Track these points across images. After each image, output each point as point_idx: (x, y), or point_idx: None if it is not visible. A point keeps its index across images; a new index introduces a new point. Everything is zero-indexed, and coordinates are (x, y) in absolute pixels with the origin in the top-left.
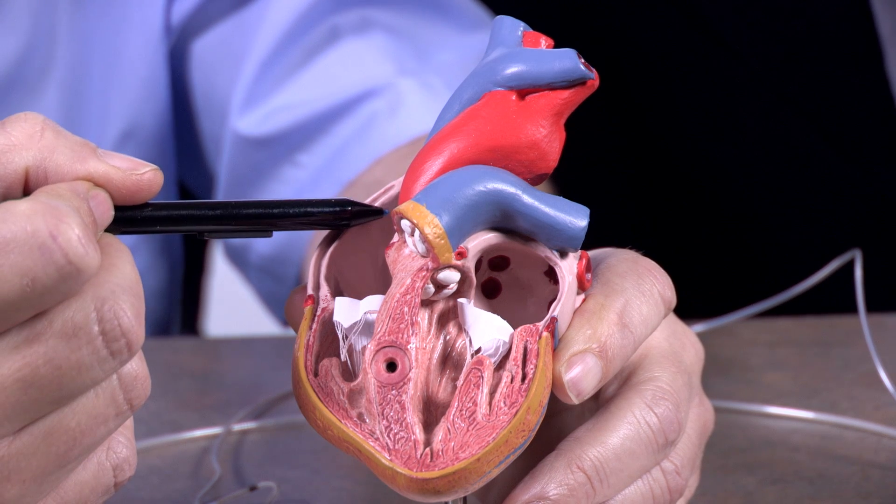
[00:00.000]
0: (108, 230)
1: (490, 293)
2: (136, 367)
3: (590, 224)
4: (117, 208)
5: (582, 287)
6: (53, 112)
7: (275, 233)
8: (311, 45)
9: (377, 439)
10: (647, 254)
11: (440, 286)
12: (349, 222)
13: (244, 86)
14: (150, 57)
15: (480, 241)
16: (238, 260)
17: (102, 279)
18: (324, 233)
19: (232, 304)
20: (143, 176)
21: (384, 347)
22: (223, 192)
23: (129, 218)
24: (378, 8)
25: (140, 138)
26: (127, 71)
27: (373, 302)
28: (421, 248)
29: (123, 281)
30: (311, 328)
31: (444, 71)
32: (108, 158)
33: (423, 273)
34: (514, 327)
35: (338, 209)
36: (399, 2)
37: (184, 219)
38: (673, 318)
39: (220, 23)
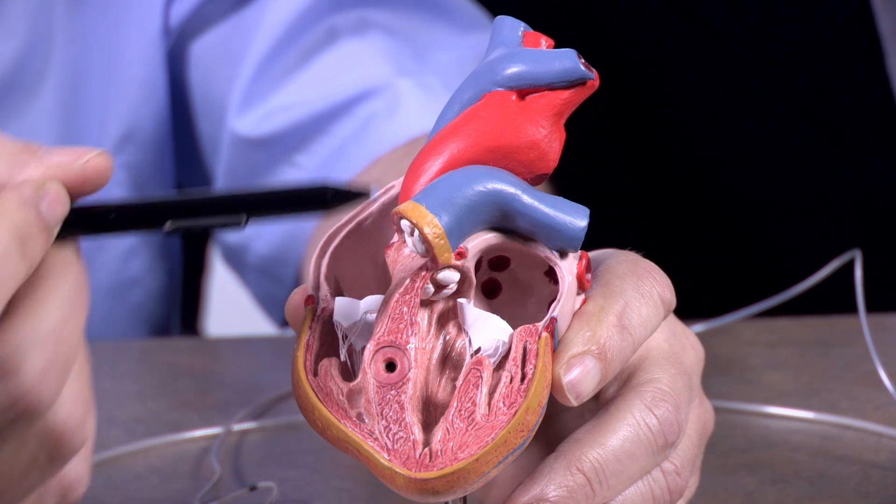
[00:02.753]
0: (67, 236)
1: (490, 293)
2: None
3: (590, 224)
4: (73, 211)
5: (582, 287)
6: (51, 115)
7: (273, 233)
8: (309, 45)
9: (376, 439)
10: (646, 254)
11: (440, 286)
12: (329, 205)
13: (242, 86)
14: (148, 59)
15: (480, 241)
16: (235, 261)
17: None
18: (323, 233)
19: (232, 304)
20: (88, 164)
21: (383, 347)
22: None
23: (84, 218)
24: (376, 8)
25: (139, 141)
26: (125, 73)
27: (373, 302)
28: (420, 248)
29: (42, 327)
30: (310, 328)
31: (443, 71)
32: (48, 157)
33: (423, 273)
34: (514, 327)
35: (315, 191)
36: (397, 2)
37: (145, 210)
38: (673, 319)
39: (218, 24)
